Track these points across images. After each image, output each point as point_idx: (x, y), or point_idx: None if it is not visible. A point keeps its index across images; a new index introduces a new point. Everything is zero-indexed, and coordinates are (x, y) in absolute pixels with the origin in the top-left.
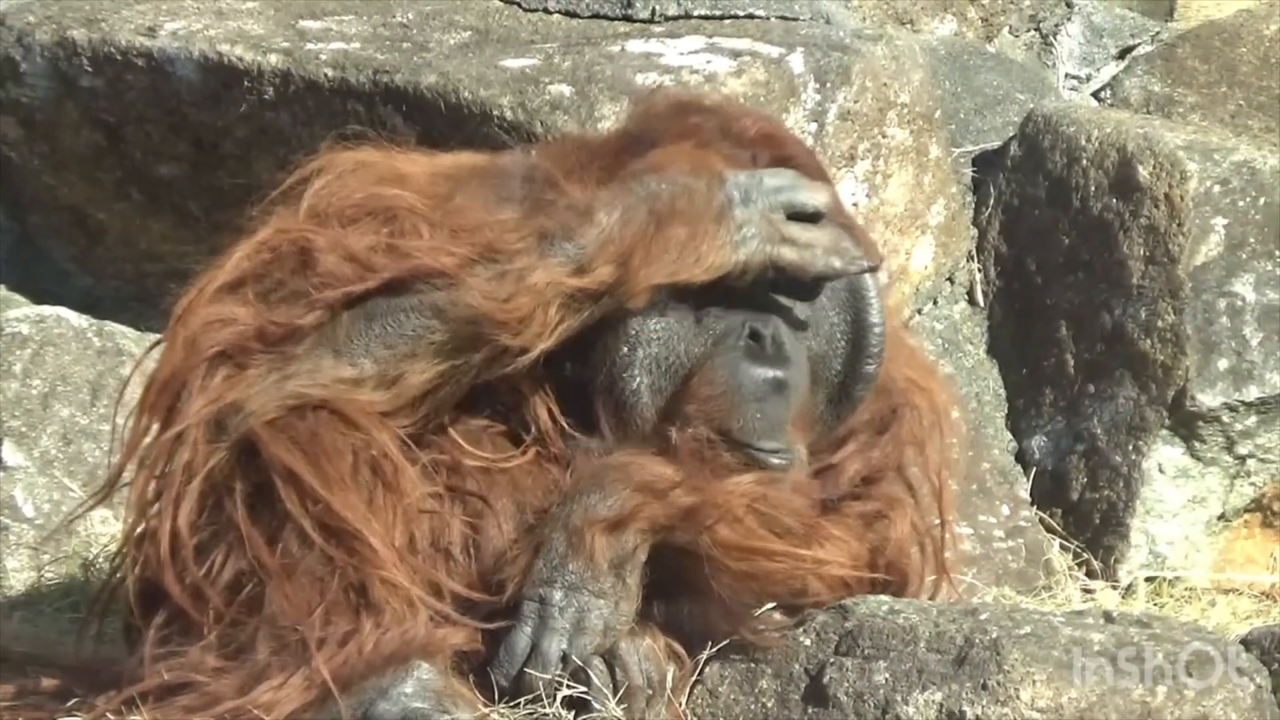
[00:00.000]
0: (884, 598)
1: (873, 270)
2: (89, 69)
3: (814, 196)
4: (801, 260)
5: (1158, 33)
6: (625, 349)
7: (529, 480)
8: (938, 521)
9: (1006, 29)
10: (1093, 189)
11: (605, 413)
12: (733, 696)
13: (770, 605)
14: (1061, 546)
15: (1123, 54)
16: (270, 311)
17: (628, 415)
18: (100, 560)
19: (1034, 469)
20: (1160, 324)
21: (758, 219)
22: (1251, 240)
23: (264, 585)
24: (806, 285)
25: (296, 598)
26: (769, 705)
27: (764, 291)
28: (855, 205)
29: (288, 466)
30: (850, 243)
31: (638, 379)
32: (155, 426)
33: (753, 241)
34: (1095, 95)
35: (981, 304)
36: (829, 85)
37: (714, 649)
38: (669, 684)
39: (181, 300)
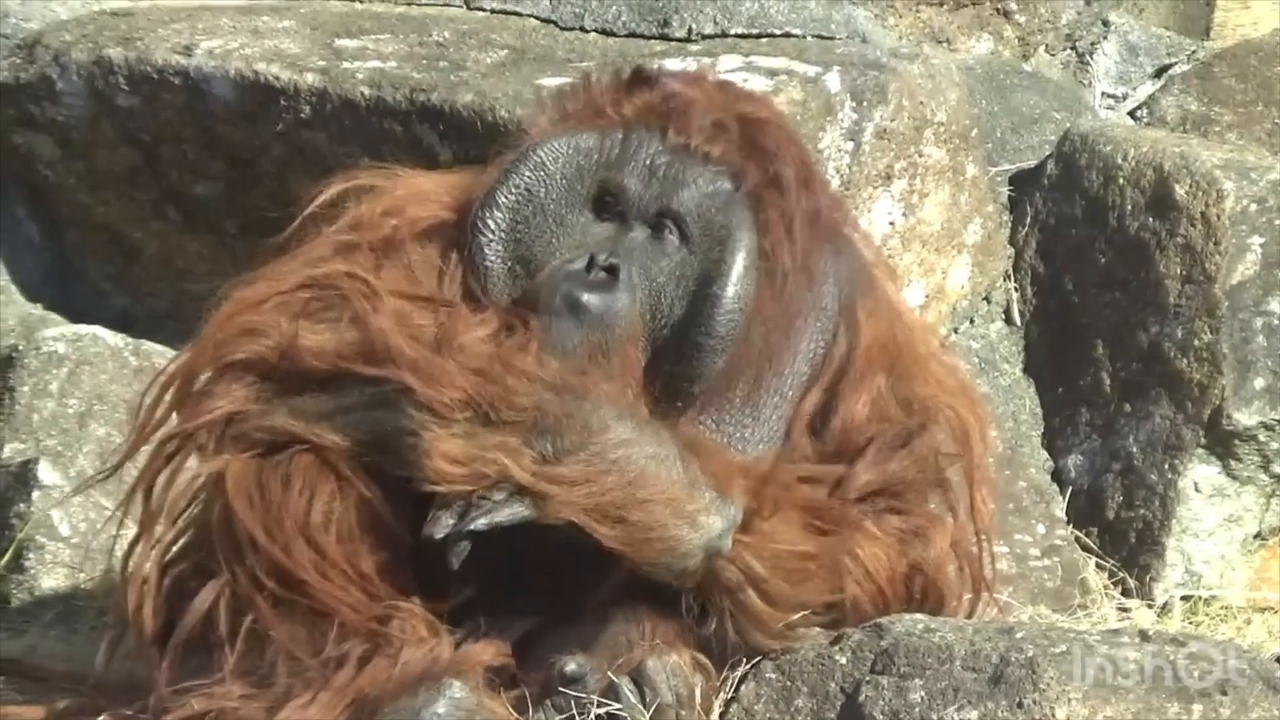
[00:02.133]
0: (920, 616)
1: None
2: (125, 88)
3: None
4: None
5: (1194, 51)
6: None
7: None
8: (974, 540)
9: (1043, 48)
10: (1129, 208)
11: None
12: (768, 715)
13: (804, 613)
14: (1097, 565)
15: (1159, 73)
16: (304, 337)
17: (480, 280)
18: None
19: (1070, 488)
20: (1196, 343)
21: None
22: None
23: (262, 618)
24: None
25: (297, 631)
26: None
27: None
28: (892, 224)
29: (247, 529)
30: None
31: (493, 246)
32: (171, 416)
33: (697, 560)
34: (1131, 114)
35: (1018, 323)
36: (865, 104)
37: (748, 664)
38: (698, 698)
39: (223, 304)
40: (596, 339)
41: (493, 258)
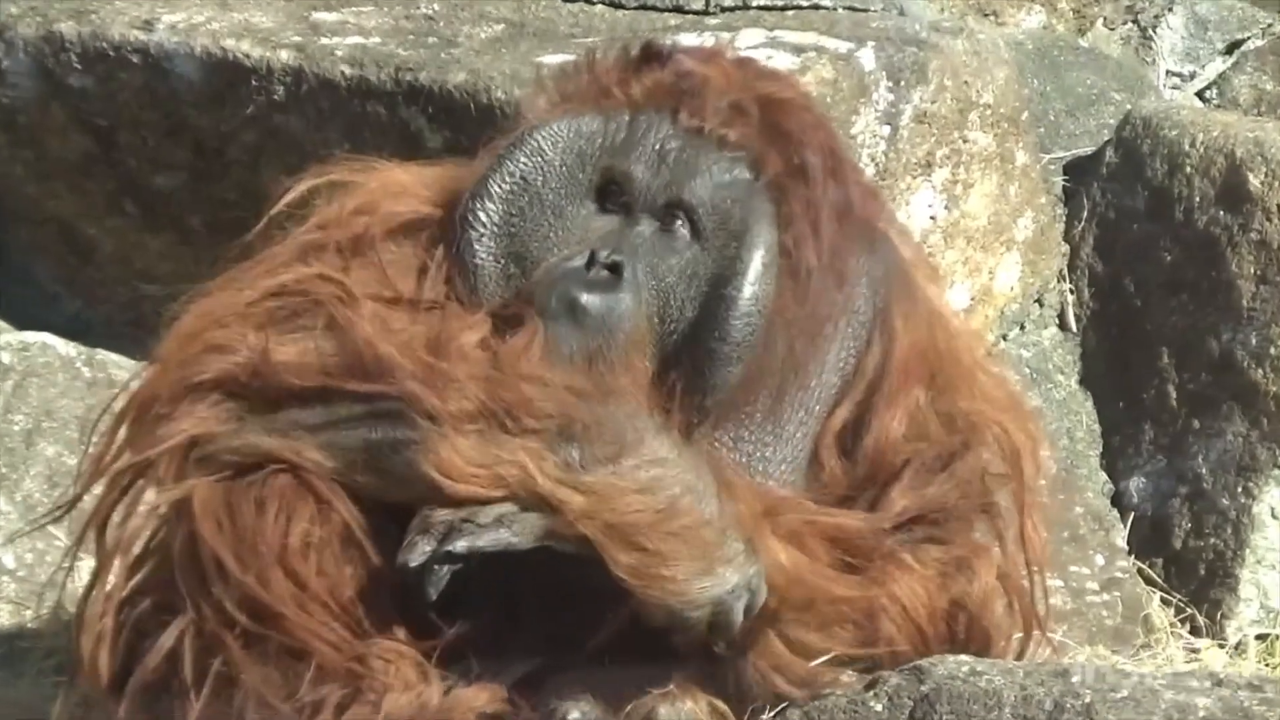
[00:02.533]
0: (964, 658)
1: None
2: (78, 66)
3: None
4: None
5: (1269, 25)
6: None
7: None
8: (1025, 572)
9: (1101, 21)
10: (1198, 200)
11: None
12: None
13: (832, 654)
14: (1162, 600)
15: (1230, 49)
16: (276, 350)
17: (470, 279)
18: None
19: (1132, 514)
20: (1273, 351)
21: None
22: None
23: (231, 659)
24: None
25: (269, 673)
26: None
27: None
28: (933, 219)
29: (216, 556)
30: None
31: (484, 242)
32: (126, 450)
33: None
34: (1200, 95)
35: (1074, 329)
36: (903, 84)
37: (771, 712)
38: None
39: (182, 314)
40: (597, 344)
41: (484, 254)
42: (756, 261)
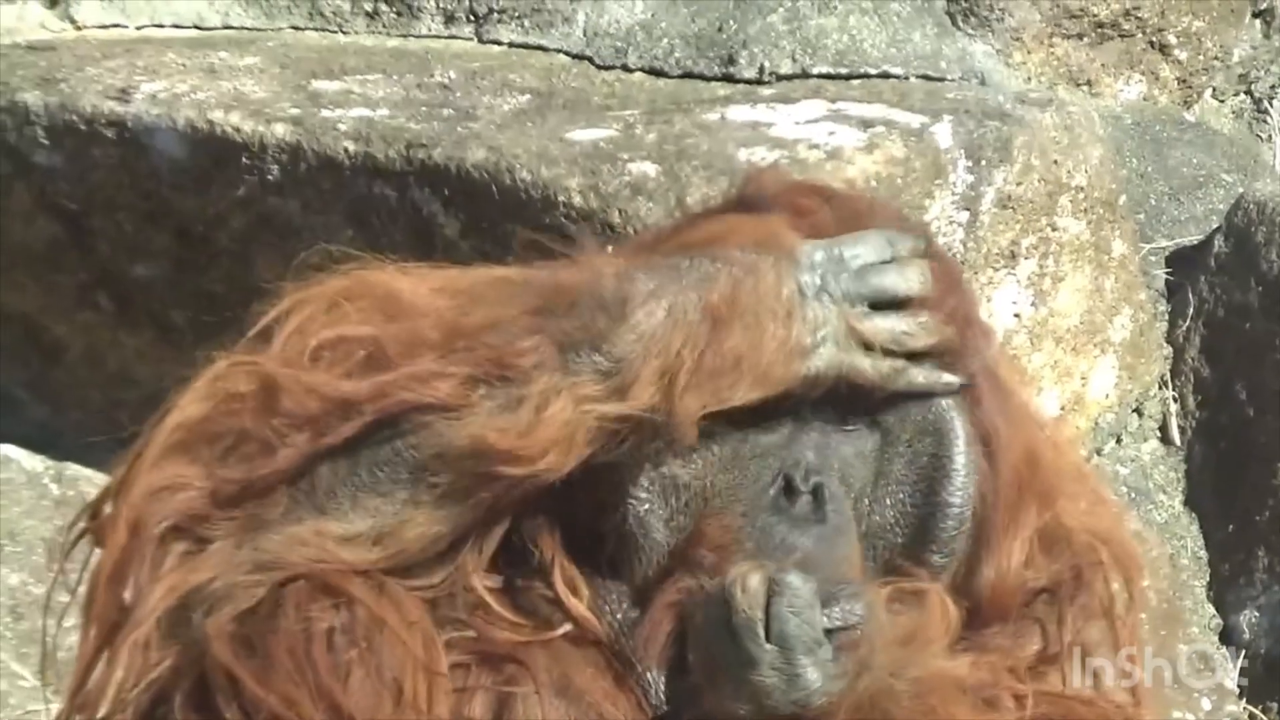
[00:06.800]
0: None
1: (964, 388)
2: (45, 142)
3: (906, 280)
4: (878, 376)
5: None
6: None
7: (574, 654)
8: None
9: (1210, 92)
10: None
11: (610, 546)
12: None
13: None
14: None
15: None
16: (226, 467)
17: (631, 552)
18: None
19: (1243, 652)
20: None
21: (834, 318)
22: None
23: None
24: (872, 396)
25: None
26: None
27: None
28: (1017, 316)
29: (226, 669)
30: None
31: (646, 506)
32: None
33: (826, 349)
34: None
35: (1178, 442)
36: (984, 164)
37: None
38: None
39: (118, 471)
40: None
41: (657, 531)
42: (959, 461)
